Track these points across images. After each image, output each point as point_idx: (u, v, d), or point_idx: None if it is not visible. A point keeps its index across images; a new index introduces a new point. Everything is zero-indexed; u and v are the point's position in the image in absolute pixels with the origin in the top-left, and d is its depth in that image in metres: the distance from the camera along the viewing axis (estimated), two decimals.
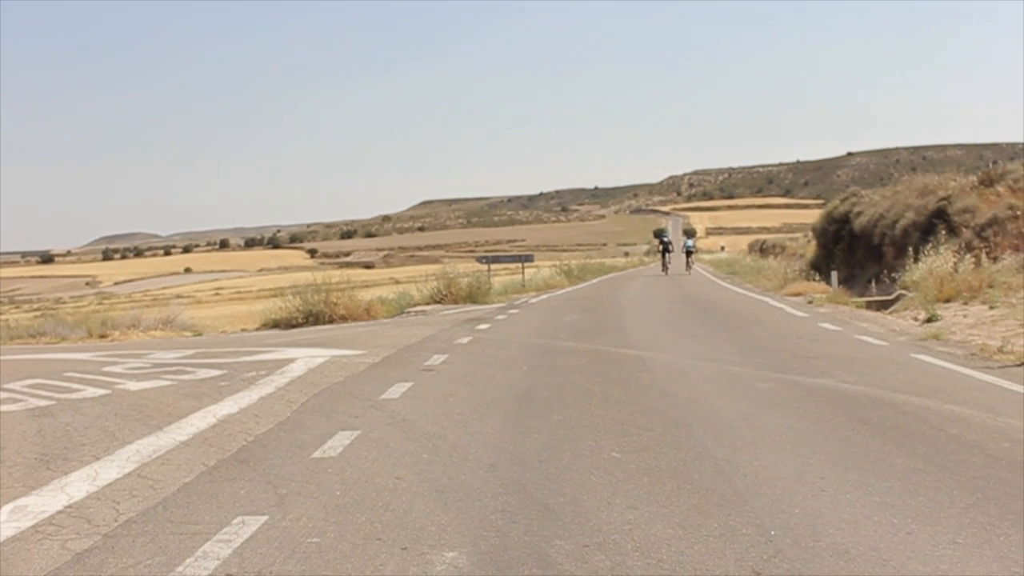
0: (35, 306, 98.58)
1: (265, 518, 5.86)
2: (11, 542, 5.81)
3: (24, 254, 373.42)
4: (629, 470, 6.70)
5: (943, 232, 25.21)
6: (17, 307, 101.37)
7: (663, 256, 56.74)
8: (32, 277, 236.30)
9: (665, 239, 60.06)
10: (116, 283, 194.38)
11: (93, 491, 6.90)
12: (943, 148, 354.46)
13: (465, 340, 16.64)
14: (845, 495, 5.91)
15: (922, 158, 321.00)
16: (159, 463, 7.71)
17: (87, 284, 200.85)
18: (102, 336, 25.65)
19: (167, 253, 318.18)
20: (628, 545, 5.13)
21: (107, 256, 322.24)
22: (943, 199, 28.12)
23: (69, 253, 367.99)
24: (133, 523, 6.00)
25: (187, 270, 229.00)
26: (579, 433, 8.04)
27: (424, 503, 6.06)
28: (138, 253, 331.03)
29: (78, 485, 7.10)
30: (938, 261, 21.76)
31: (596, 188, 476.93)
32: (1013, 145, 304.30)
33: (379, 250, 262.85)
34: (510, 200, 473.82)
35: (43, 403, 11.55)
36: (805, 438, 7.58)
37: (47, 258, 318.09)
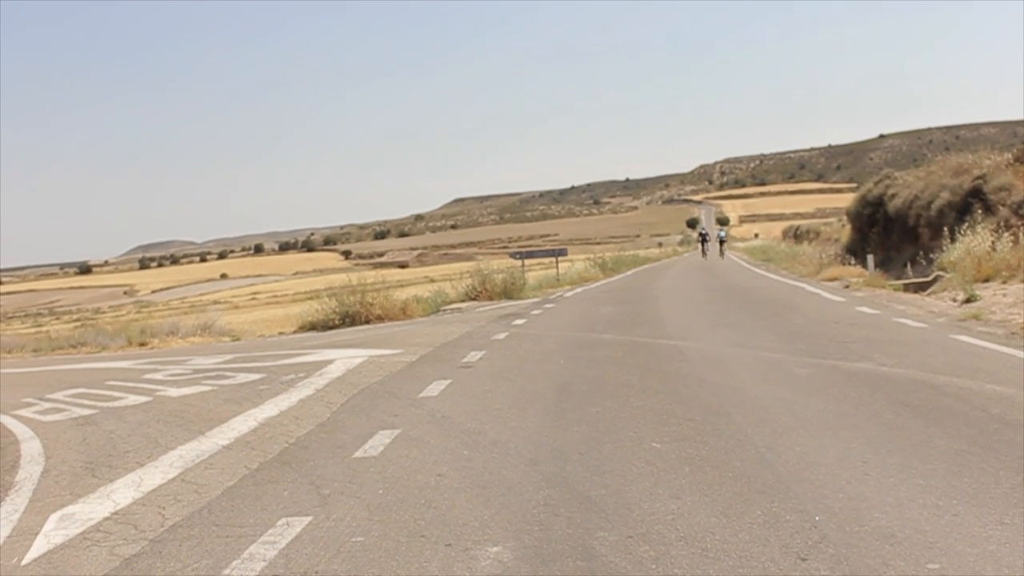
0: (75, 316, 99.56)
1: (309, 519, 5.90)
2: (60, 549, 5.88)
3: (63, 265, 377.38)
4: (670, 460, 6.69)
5: (979, 211, 24.92)
6: (57, 318, 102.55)
7: (702, 245, 71.61)
8: (71, 288, 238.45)
9: (703, 231, 78.12)
10: (153, 291, 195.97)
11: (139, 497, 6.97)
12: (976, 127, 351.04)
13: (502, 336, 16.65)
14: (889, 479, 5.88)
15: (955, 137, 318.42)
16: (202, 467, 7.77)
17: (125, 293, 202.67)
18: (142, 344, 25.89)
19: (203, 260, 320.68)
20: (672, 535, 5.13)
21: (144, 265, 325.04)
22: (978, 178, 27.82)
23: (107, 263, 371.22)
24: (179, 527, 6.05)
25: (223, 276, 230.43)
26: (619, 424, 8.03)
27: (466, 499, 6.08)
28: (174, 261, 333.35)
29: (124, 492, 7.18)
30: (975, 240, 21.57)
31: (627, 180, 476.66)
32: None
33: (413, 249, 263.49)
34: (542, 195, 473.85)
35: (87, 412, 11.68)
36: (846, 423, 7.53)
37: (85, 269, 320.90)
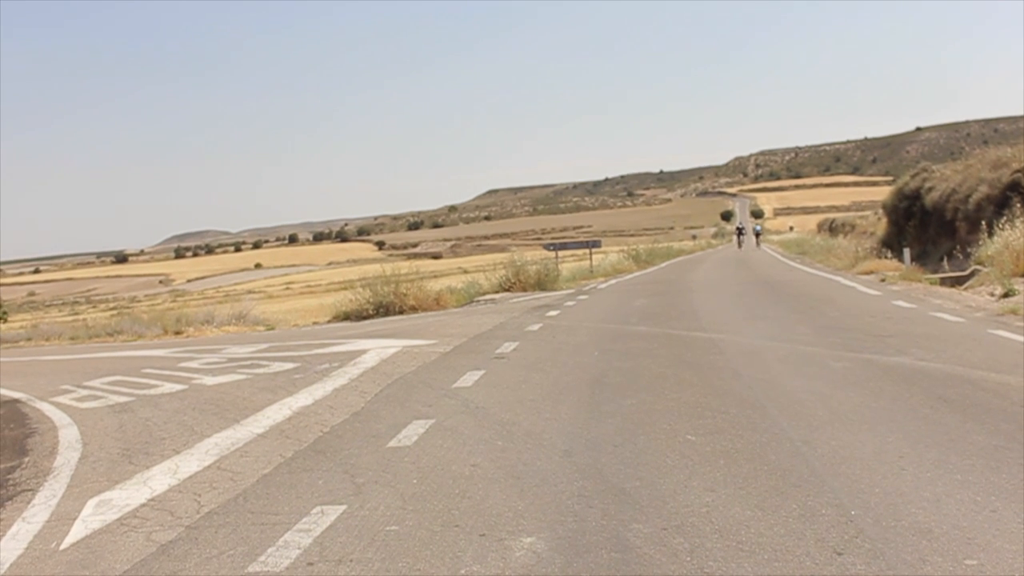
0: (111, 305, 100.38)
1: (344, 507, 5.92)
2: (98, 535, 5.94)
3: (99, 254, 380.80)
4: (705, 453, 6.67)
5: (1018, 205, 24.64)
6: (94, 306, 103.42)
7: (738, 237, 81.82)
8: (107, 277, 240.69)
9: (740, 225, 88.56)
10: (188, 280, 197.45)
11: (175, 484, 7.03)
12: (1015, 120, 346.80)
13: (535, 327, 16.64)
14: (926, 474, 5.83)
15: (994, 130, 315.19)
16: (238, 455, 7.82)
17: (160, 282, 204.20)
18: (177, 333, 26.08)
19: (237, 250, 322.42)
20: (707, 527, 5.11)
21: (179, 254, 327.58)
22: (1017, 171, 27.51)
23: (142, 252, 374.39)
24: (215, 514, 6.09)
25: (257, 266, 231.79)
26: (653, 417, 8.01)
27: (500, 489, 6.08)
28: (209, 250, 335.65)
29: (160, 479, 7.24)
30: (1014, 235, 21.32)
31: (661, 172, 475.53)
32: None
33: (446, 240, 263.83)
34: (575, 186, 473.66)
35: (123, 399, 11.78)
36: (882, 417, 7.48)
37: (121, 258, 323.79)
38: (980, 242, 23.33)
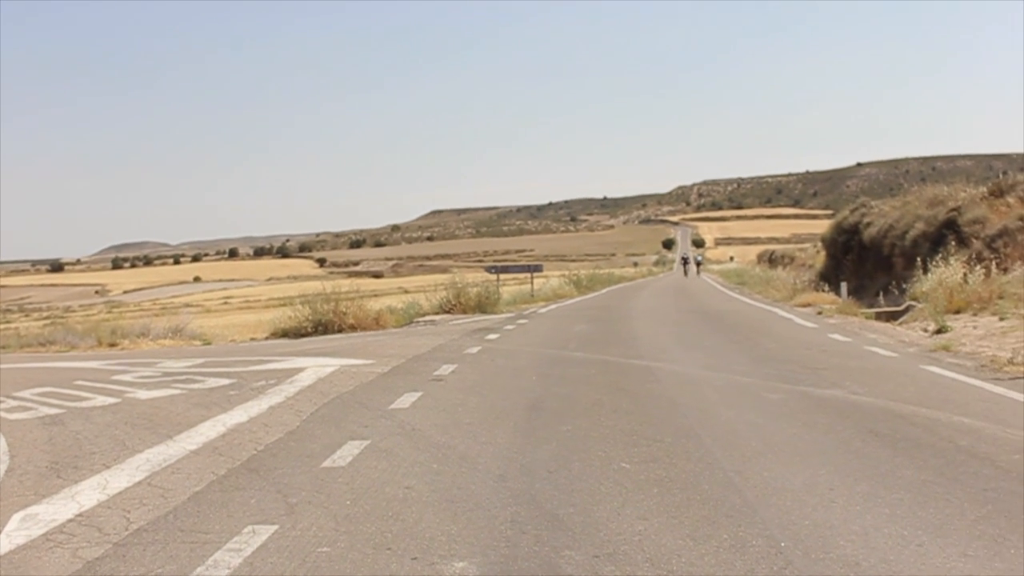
0: (45, 314, 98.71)
1: (275, 527, 5.87)
2: (22, 550, 5.82)
3: (34, 262, 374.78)
4: (639, 481, 6.70)
5: (953, 243, 25.12)
6: (27, 315, 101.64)
7: (683, 265, 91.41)
8: (42, 285, 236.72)
9: (684, 255, 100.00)
10: (125, 292, 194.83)
11: (104, 499, 6.92)
12: (952, 159, 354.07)
13: (474, 350, 16.64)
14: (855, 507, 5.90)
15: (931, 168, 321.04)
16: (169, 472, 7.73)
17: (97, 293, 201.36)
18: (112, 345, 25.71)
19: (176, 262, 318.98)
20: (638, 556, 5.13)
21: (117, 265, 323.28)
22: (953, 210, 28.06)
23: (79, 262, 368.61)
24: (144, 532, 6.01)
25: (196, 279, 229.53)
26: (589, 444, 8.04)
27: (434, 513, 6.07)
28: (147, 262, 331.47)
29: (89, 493, 7.12)
30: (948, 272, 21.72)
31: (605, 198, 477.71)
32: (1023, 156, 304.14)
33: (388, 259, 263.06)
34: (519, 210, 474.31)
35: (53, 411, 11.59)
36: (815, 449, 7.57)
37: (57, 266, 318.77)
38: (915, 278, 23.71)
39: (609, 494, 6.38)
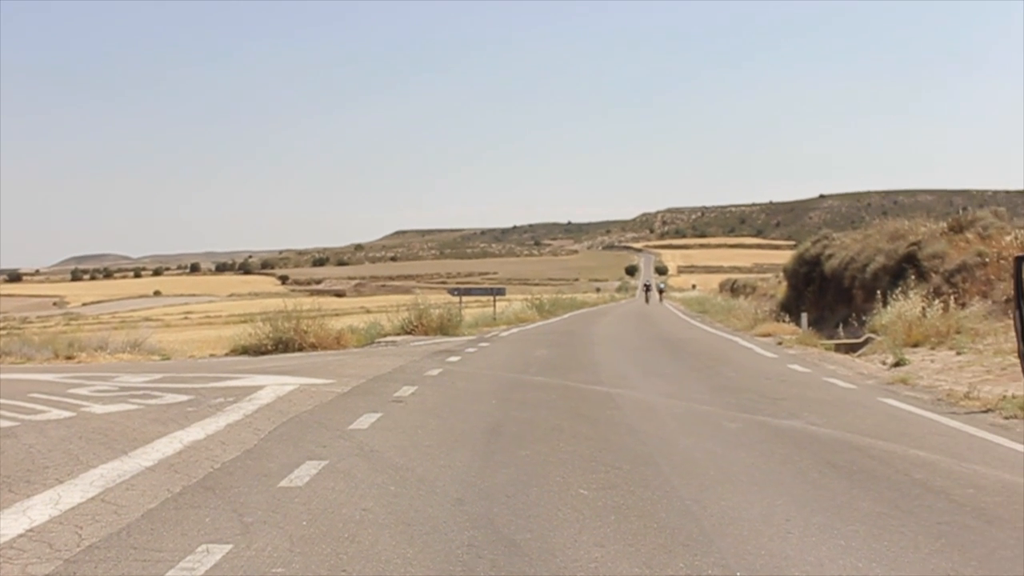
0: (1, 325, 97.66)
1: (230, 547, 5.82)
2: None
3: None
4: (596, 507, 6.70)
5: (912, 277, 25.38)
6: None
7: (646, 292, 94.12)
8: None
9: (647, 283, 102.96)
10: (84, 304, 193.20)
11: (55, 515, 6.83)
12: (914, 193, 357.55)
13: (435, 372, 16.61)
14: (811, 538, 5.93)
15: (893, 202, 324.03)
16: (123, 488, 7.64)
17: (55, 304, 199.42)
18: (69, 358, 25.43)
19: (137, 275, 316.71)
20: None
21: (76, 277, 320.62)
22: (913, 244, 28.35)
23: (37, 272, 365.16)
24: (95, 548, 5.94)
25: (156, 293, 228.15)
26: (547, 469, 8.03)
27: (391, 535, 6.04)
28: (107, 275, 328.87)
29: (40, 508, 7.02)
30: (907, 306, 21.94)
31: (569, 223, 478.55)
32: (983, 192, 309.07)
33: (351, 279, 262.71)
34: (483, 233, 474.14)
35: (6, 424, 11.43)
36: (772, 479, 7.60)
37: (15, 277, 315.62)
38: (875, 311, 23.96)
39: (567, 520, 6.37)
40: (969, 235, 27.14)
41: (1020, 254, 13.31)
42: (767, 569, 5.33)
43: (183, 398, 13.46)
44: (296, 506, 6.83)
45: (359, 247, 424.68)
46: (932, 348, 18.60)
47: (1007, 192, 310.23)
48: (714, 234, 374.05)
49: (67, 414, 12.11)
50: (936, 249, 26.79)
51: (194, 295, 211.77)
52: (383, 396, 13.21)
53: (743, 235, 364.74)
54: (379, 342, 27.90)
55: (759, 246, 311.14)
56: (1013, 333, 12.87)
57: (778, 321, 32.05)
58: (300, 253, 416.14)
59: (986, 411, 11.12)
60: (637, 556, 5.59)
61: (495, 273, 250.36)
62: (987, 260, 23.83)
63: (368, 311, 63.16)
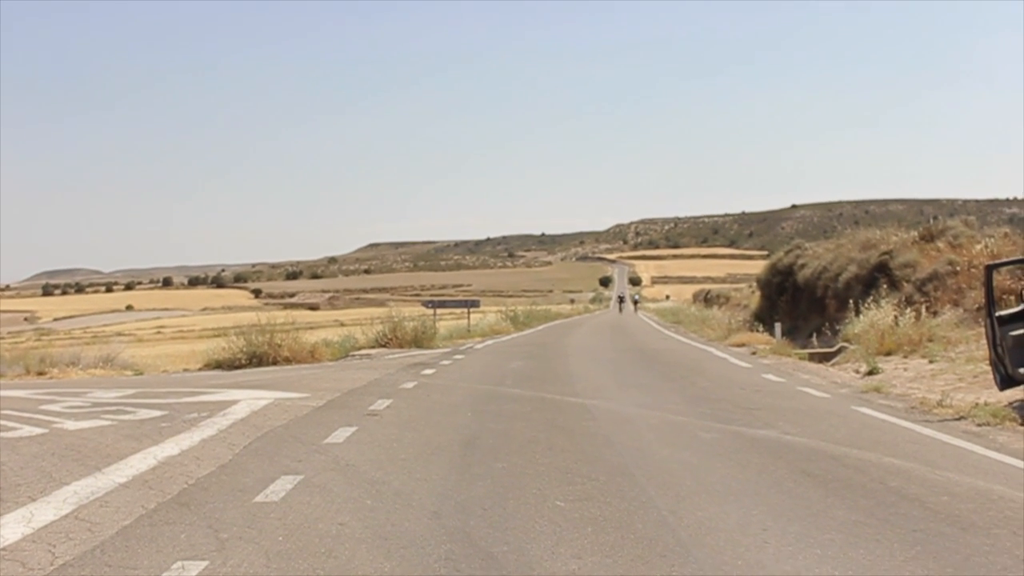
0: None
1: (205, 563, 5.79)
2: None
3: None
4: (573, 519, 6.70)
5: (885, 286, 25.58)
6: None
7: (619, 304, 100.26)
8: None
9: (621, 294, 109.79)
10: (56, 319, 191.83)
11: (28, 533, 6.77)
12: (885, 203, 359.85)
13: (410, 385, 16.59)
14: (787, 547, 5.95)
15: (865, 212, 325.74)
16: (97, 505, 7.59)
17: (26, 320, 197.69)
18: (40, 373, 25.23)
19: (109, 290, 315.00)
20: None
21: (47, 291, 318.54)
22: (885, 253, 28.55)
23: (8, 288, 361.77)
24: (69, 567, 5.89)
25: (129, 308, 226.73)
26: (524, 481, 8.03)
27: (367, 550, 6.02)
28: (79, 289, 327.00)
29: (12, 527, 6.96)
30: (879, 314, 22.07)
31: (543, 235, 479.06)
32: (953, 201, 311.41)
33: (324, 292, 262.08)
34: (457, 245, 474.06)
35: None
36: (748, 489, 7.62)
37: None
38: (848, 320, 24.08)
39: (543, 532, 6.37)
40: (940, 244, 27.37)
41: (990, 263, 13.48)
42: None
43: (157, 413, 13.38)
44: (272, 521, 6.79)
45: (333, 260, 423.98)
46: (905, 356, 18.72)
47: (977, 201, 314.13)
48: (687, 244, 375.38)
49: (39, 431, 12.01)
50: (908, 258, 27.00)
51: (167, 309, 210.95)
52: (358, 410, 13.18)
53: (716, 245, 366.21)
54: (353, 355, 27.83)
55: (732, 256, 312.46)
56: (984, 341, 13.00)
57: (752, 331, 32.23)
58: (273, 266, 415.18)
59: (959, 419, 11.20)
60: (614, 567, 5.59)
61: (469, 285, 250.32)
62: (958, 269, 24.03)
63: (342, 324, 63.02)
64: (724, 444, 9.82)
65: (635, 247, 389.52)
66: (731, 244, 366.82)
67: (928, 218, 36.52)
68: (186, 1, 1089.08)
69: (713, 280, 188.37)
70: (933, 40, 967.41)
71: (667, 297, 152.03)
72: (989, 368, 12.46)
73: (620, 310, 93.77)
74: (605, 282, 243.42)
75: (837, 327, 25.23)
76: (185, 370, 27.36)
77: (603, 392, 15.10)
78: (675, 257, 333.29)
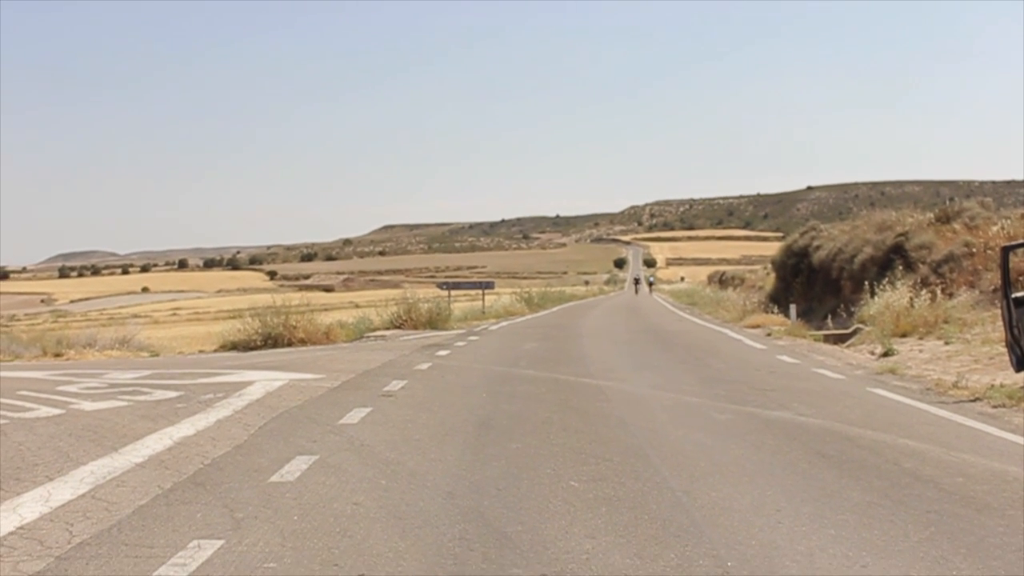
0: None
1: (221, 542, 5.82)
2: None
3: None
4: (587, 499, 6.71)
5: (900, 267, 25.49)
6: None
7: (635, 285, 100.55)
8: None
9: (636, 276, 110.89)
10: (72, 301, 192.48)
11: (46, 512, 6.82)
12: (901, 184, 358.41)
13: (424, 366, 16.61)
14: (801, 527, 5.95)
15: (880, 193, 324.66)
16: (114, 485, 7.63)
17: (42, 302, 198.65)
18: (57, 355, 25.38)
19: (124, 272, 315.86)
20: (586, 574, 5.14)
21: (63, 274, 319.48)
22: (900, 235, 28.45)
23: (25, 270, 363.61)
24: (87, 545, 5.93)
25: (144, 290, 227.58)
26: (538, 461, 8.04)
27: (382, 529, 6.04)
28: (95, 271, 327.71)
29: (31, 506, 7.01)
30: (895, 296, 22.01)
31: (557, 216, 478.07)
32: (969, 183, 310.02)
33: (339, 273, 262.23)
34: (471, 226, 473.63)
35: None
36: (762, 470, 7.62)
37: (2, 274, 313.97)
38: (863, 301, 24.04)
39: (558, 512, 6.38)
40: (956, 226, 27.25)
41: (1006, 244, 13.41)
42: (758, 559, 5.35)
43: (173, 394, 13.44)
44: (287, 501, 6.83)
45: (347, 242, 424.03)
46: (920, 338, 18.66)
47: (993, 182, 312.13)
48: (702, 226, 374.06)
49: (56, 411, 12.08)
50: (923, 240, 26.90)
51: (182, 291, 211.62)
52: (373, 391, 13.21)
53: (731, 227, 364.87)
54: (368, 337, 27.91)
55: (747, 238, 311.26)
56: (1000, 322, 12.95)
57: (767, 313, 32.13)
58: (288, 248, 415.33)
59: (974, 400, 11.17)
60: (628, 547, 5.60)
61: (484, 267, 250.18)
62: (974, 250, 23.93)
63: (357, 306, 63.16)
64: (738, 425, 9.82)
65: (650, 229, 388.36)
66: (746, 226, 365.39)
67: (944, 199, 36.43)
68: None
69: (728, 262, 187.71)
70: (950, 20, 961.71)
71: (682, 279, 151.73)
72: (1005, 350, 12.40)
73: (636, 292, 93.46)
74: (620, 264, 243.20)
75: (852, 309, 25.17)
76: (200, 351, 27.49)
77: (617, 373, 15.11)
78: (690, 239, 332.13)
